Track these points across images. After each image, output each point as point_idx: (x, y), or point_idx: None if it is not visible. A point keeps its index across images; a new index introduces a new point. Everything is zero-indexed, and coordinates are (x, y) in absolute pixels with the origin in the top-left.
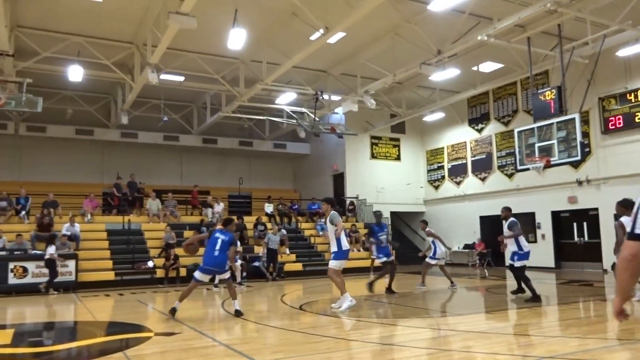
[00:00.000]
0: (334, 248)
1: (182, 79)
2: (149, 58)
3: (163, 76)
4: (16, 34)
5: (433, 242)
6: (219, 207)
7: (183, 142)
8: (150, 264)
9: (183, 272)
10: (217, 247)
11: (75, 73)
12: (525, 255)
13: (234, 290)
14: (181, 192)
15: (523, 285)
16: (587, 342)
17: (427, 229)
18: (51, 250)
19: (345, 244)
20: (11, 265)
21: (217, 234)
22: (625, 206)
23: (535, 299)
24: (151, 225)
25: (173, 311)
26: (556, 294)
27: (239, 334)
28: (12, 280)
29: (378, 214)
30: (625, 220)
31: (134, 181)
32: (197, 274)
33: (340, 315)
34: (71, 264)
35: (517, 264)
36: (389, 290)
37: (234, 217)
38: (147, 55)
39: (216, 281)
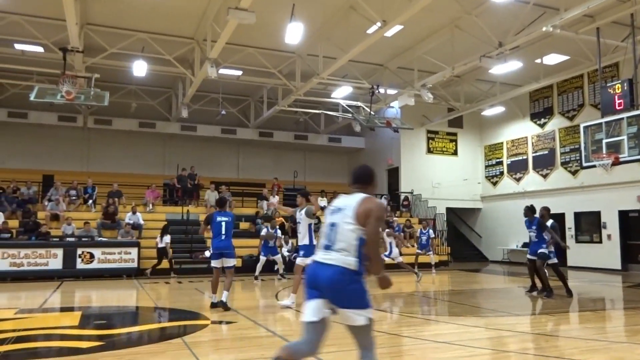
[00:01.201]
0: (305, 242)
1: (239, 73)
2: (209, 53)
3: (222, 70)
4: (85, 31)
5: (390, 242)
6: (274, 200)
7: (240, 136)
8: (207, 253)
9: (239, 262)
10: (223, 230)
11: (139, 68)
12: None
13: (230, 282)
14: (238, 184)
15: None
16: None
17: (387, 230)
18: (167, 239)
19: (314, 240)
20: (79, 251)
21: (219, 217)
22: None
23: (532, 289)
24: None
25: (213, 305)
26: (622, 298)
27: (292, 326)
28: (80, 265)
29: (526, 208)
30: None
31: (194, 173)
32: (212, 262)
33: (391, 311)
34: (133, 251)
35: (552, 260)
36: (536, 288)
37: (226, 195)
38: (206, 50)
39: (256, 271)
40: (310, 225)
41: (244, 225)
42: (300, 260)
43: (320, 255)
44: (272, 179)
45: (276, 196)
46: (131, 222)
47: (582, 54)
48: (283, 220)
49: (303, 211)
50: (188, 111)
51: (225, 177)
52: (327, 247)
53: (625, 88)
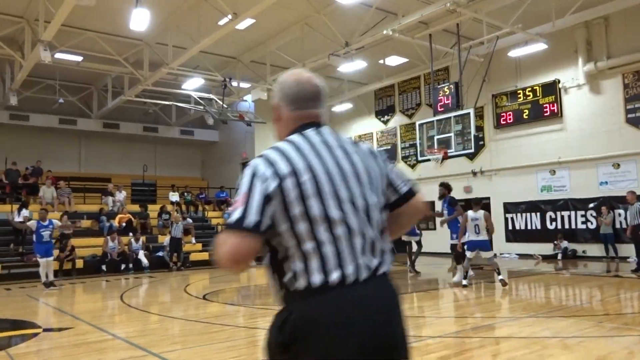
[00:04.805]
0: None
1: (80, 59)
2: (41, 35)
3: (58, 55)
4: None
5: None
6: (121, 196)
7: (81, 127)
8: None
9: (80, 263)
10: None
11: None
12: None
13: None
14: (80, 179)
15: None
16: (476, 320)
17: None
18: (25, 213)
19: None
20: None
21: None
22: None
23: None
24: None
25: None
26: (452, 278)
27: (138, 327)
28: None
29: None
30: (470, 213)
31: (39, 167)
32: None
33: (245, 304)
34: None
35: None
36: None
37: None
38: (39, 31)
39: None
40: None
41: (86, 223)
42: None
43: (475, 236)
44: (119, 174)
45: (123, 192)
46: None
47: (419, 57)
48: (130, 216)
49: None
50: (19, 98)
51: (66, 171)
52: (478, 233)
53: (453, 90)
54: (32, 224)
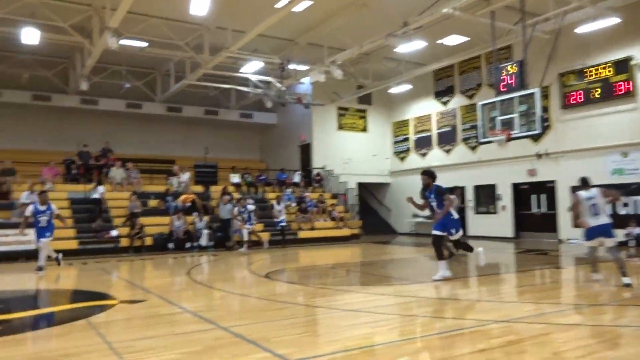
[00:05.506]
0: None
1: (144, 44)
2: (108, 22)
3: (124, 41)
4: None
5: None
6: (185, 177)
7: (146, 110)
8: (114, 232)
9: (149, 241)
10: None
11: (30, 35)
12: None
13: None
14: (146, 160)
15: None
16: (541, 307)
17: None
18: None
19: None
20: None
21: None
22: (583, 183)
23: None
24: (115, 194)
25: None
26: (514, 262)
27: (205, 302)
28: None
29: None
30: (582, 193)
31: (108, 148)
32: None
33: (306, 283)
34: (31, 232)
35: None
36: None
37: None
38: (106, 18)
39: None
40: None
41: (153, 202)
42: None
43: (595, 220)
44: (182, 156)
45: (187, 173)
46: (28, 201)
47: (479, 36)
48: (195, 196)
49: None
50: (88, 84)
51: (133, 153)
52: (598, 215)
53: (517, 69)
54: (29, 209)
